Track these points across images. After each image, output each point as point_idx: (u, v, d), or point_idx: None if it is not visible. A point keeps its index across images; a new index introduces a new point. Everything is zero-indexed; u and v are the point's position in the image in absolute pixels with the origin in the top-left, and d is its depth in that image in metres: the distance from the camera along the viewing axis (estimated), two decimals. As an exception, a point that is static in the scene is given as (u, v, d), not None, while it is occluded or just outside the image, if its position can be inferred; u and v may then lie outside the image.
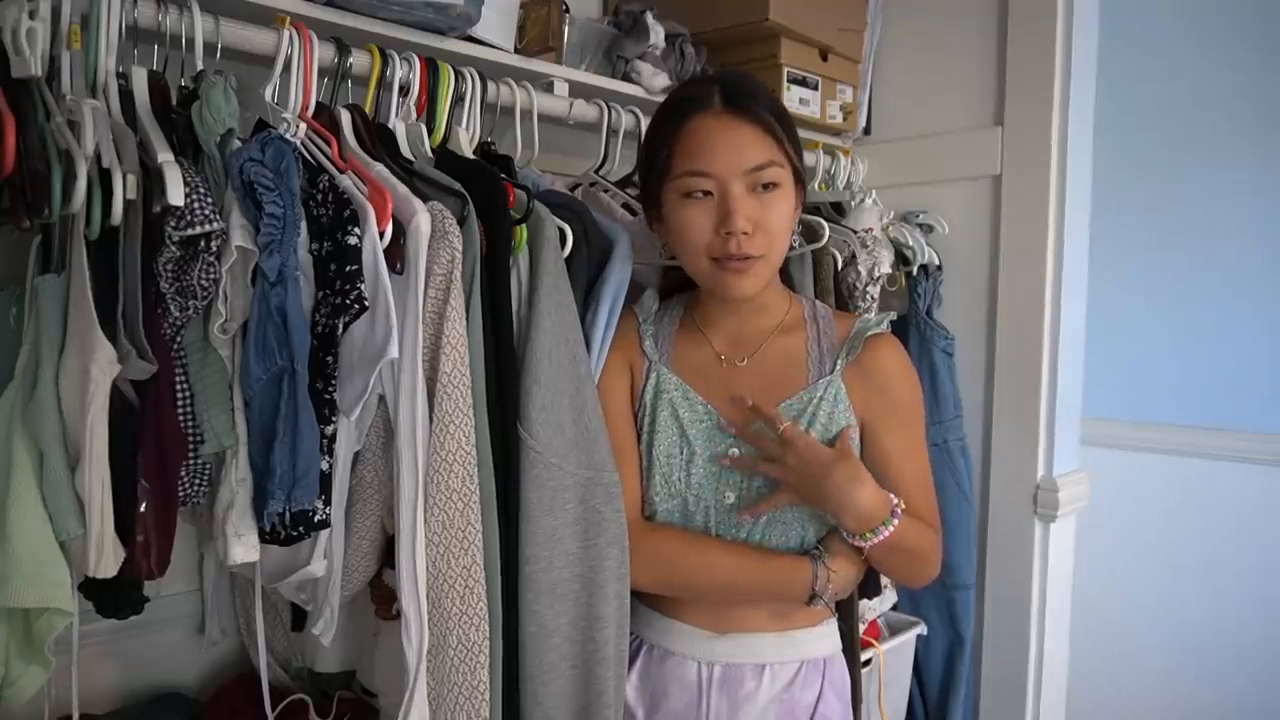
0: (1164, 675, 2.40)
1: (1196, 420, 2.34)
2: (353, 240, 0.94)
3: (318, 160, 1.04)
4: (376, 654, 1.26)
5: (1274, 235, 2.24)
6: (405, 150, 1.18)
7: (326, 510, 0.98)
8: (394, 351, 0.94)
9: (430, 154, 1.19)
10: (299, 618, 1.31)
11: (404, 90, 1.20)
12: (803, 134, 1.17)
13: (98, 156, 0.86)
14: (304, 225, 0.96)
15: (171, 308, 0.91)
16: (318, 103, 1.11)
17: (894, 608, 1.87)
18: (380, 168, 1.06)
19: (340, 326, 0.95)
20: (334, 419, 0.98)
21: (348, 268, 0.94)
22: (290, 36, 1.08)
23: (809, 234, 1.47)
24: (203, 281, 0.91)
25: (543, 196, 1.15)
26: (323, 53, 1.12)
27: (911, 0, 1.96)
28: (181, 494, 0.98)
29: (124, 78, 0.98)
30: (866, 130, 2.00)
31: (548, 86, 1.44)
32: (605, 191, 1.47)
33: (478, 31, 1.30)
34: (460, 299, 1.01)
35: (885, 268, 1.67)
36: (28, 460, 0.88)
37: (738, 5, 1.69)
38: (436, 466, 0.98)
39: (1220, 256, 2.31)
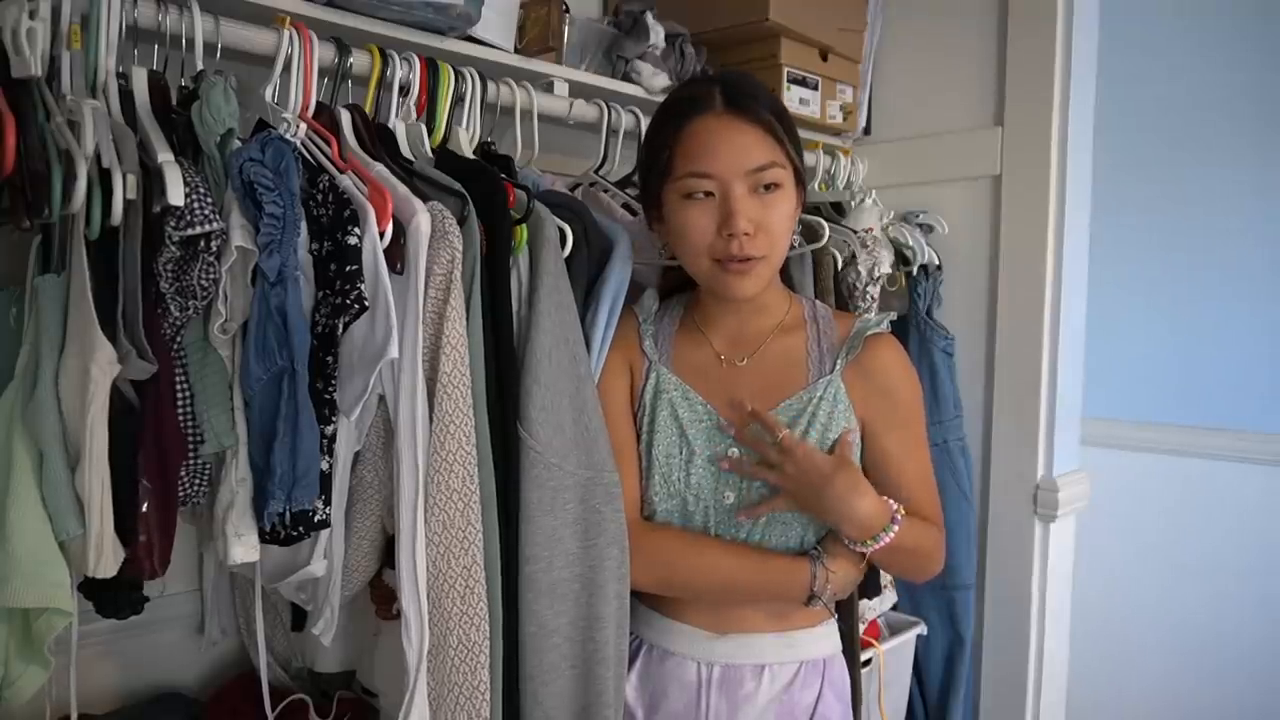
0: (1164, 675, 2.40)
1: (1196, 420, 2.34)
2: (353, 240, 0.94)
3: (318, 160, 1.04)
4: (377, 654, 1.26)
5: (1274, 235, 2.24)
6: (405, 150, 1.18)
7: (326, 510, 0.98)
8: (394, 351, 0.94)
9: (430, 154, 1.19)
10: (299, 618, 1.31)
11: (404, 90, 1.20)
12: (803, 134, 1.17)
13: (98, 156, 0.86)
14: (304, 225, 0.96)
15: (171, 308, 0.91)
16: (318, 103, 1.11)
17: (894, 608, 1.87)
18: (380, 168, 1.06)
19: (340, 326, 0.95)
20: (334, 419, 0.98)
21: (348, 268, 0.94)
22: (290, 36, 1.08)
23: (809, 234, 1.47)
24: (203, 281, 0.91)
25: (543, 196, 1.15)
26: (323, 53, 1.12)
27: (911, 0, 1.96)
28: (181, 494, 0.98)
29: (124, 78, 0.98)
30: (866, 130, 2.00)
31: (548, 86, 1.44)
32: (605, 191, 1.47)
33: (478, 31, 1.30)
34: (460, 299, 1.01)
35: (885, 268, 1.67)
36: (28, 460, 0.88)
37: (738, 5, 1.69)
38: (436, 466, 0.98)
39: (1220, 256, 2.31)
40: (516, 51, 1.39)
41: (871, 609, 1.74)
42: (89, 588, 0.99)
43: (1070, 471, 1.85)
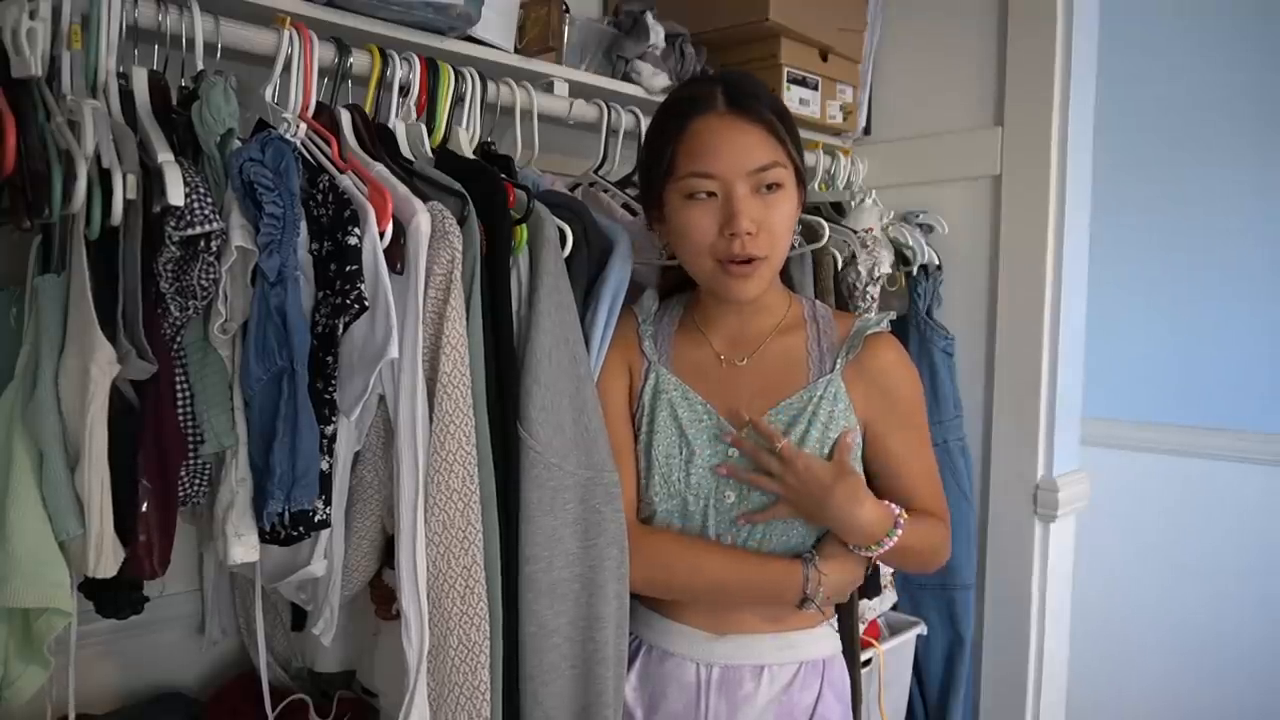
0: (1164, 675, 2.40)
1: (1196, 420, 2.34)
2: (353, 240, 0.94)
3: (318, 160, 1.04)
4: (376, 654, 1.26)
5: (1274, 235, 2.25)
6: (405, 150, 1.18)
7: (326, 510, 0.98)
8: (394, 351, 0.94)
9: (430, 154, 1.19)
10: (299, 618, 1.31)
11: (404, 90, 1.20)
12: (803, 134, 1.17)
13: (98, 156, 0.86)
14: (304, 225, 0.96)
15: (171, 308, 0.91)
16: (318, 103, 1.11)
17: (894, 608, 1.87)
18: (380, 168, 1.06)
19: (340, 326, 0.95)
20: (334, 419, 0.98)
21: (348, 268, 0.94)
22: (290, 36, 1.08)
23: (809, 234, 1.47)
24: (203, 281, 0.91)
25: (543, 196, 1.15)
26: (323, 53, 1.12)
27: (911, 0, 1.95)
28: (181, 494, 0.98)
29: (124, 78, 0.98)
30: (866, 130, 2.00)
31: (548, 86, 1.44)
32: (605, 191, 1.47)
33: (478, 31, 1.30)
34: (460, 299, 1.01)
35: (885, 268, 1.67)
36: (27, 460, 0.88)
37: (738, 5, 1.69)
38: (436, 466, 0.98)
39: (1220, 256, 2.31)
40: (516, 51, 1.39)
41: (871, 609, 1.74)
42: (89, 588, 0.99)
43: (1070, 471, 1.85)
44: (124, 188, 0.86)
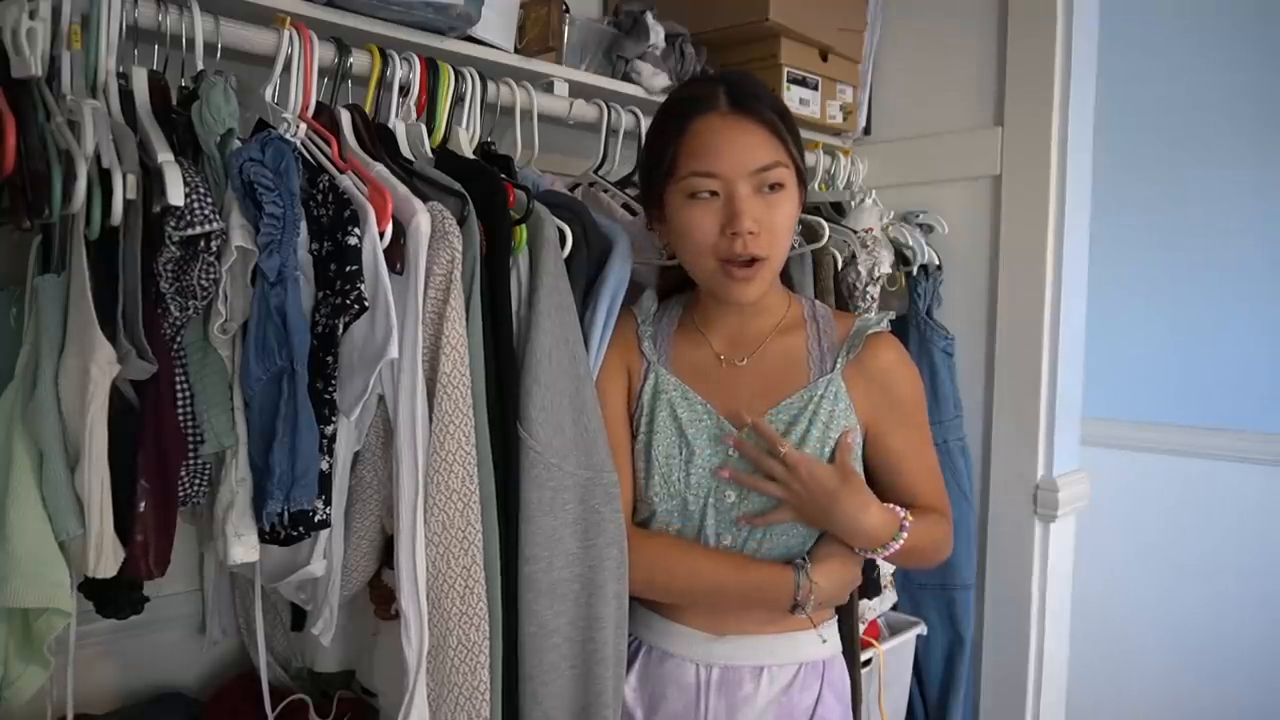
0: (1164, 675, 2.40)
1: (1196, 420, 2.34)
2: (353, 240, 0.94)
3: (318, 160, 1.04)
4: (376, 654, 1.26)
5: (1274, 235, 2.24)
6: (405, 150, 1.18)
7: (326, 510, 0.98)
8: (394, 352, 0.94)
9: (430, 154, 1.19)
10: (299, 617, 1.31)
11: (404, 90, 1.21)
12: (803, 134, 1.17)
13: (98, 156, 0.86)
14: (304, 225, 0.96)
15: (171, 308, 0.91)
16: (318, 103, 1.11)
17: (894, 608, 1.87)
18: (380, 168, 1.06)
19: (340, 326, 0.95)
20: (334, 419, 0.98)
21: (348, 268, 0.94)
22: (290, 36, 1.08)
23: (809, 234, 1.47)
24: (203, 281, 0.91)
25: (542, 197, 1.15)
26: (323, 53, 1.12)
27: (911, 0, 1.95)
28: (181, 494, 0.98)
29: (124, 78, 0.98)
30: (866, 130, 2.00)
31: (548, 86, 1.44)
32: (605, 191, 1.47)
33: (478, 31, 1.30)
34: (460, 299, 1.01)
35: (885, 268, 1.67)
36: (27, 460, 0.88)
37: (738, 5, 1.69)
38: (436, 466, 0.98)
39: (1220, 256, 2.31)
40: (516, 51, 1.39)
41: (871, 609, 1.74)
42: (89, 588, 0.99)
43: (1070, 471, 1.85)
44: (124, 188, 0.86)
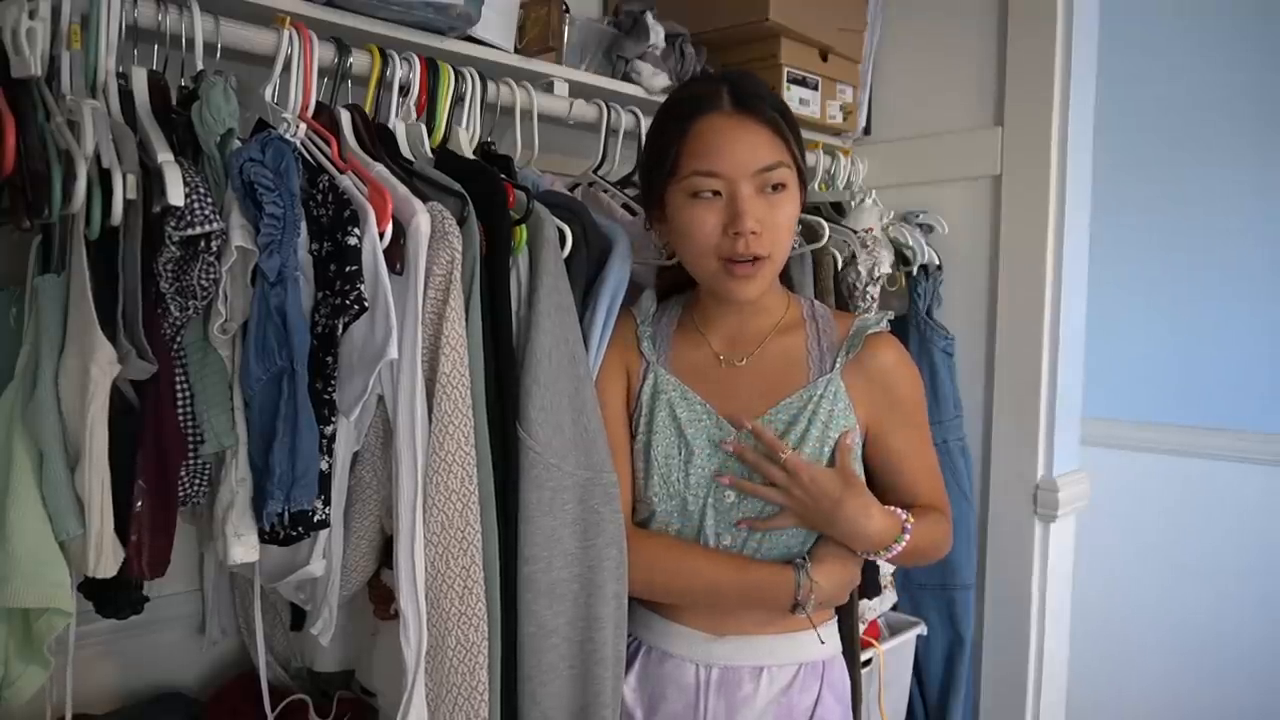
0: (1164, 675, 2.40)
1: (1196, 420, 2.34)
2: (352, 241, 0.94)
3: (318, 160, 1.04)
4: (375, 654, 1.26)
5: (1274, 235, 2.24)
6: (405, 150, 1.18)
7: (325, 510, 0.98)
8: (393, 352, 0.94)
9: (430, 154, 1.19)
10: (298, 617, 1.31)
11: (404, 90, 1.21)
12: (803, 134, 1.17)
13: (98, 156, 0.86)
14: (304, 225, 0.96)
15: (171, 308, 0.91)
16: (318, 103, 1.11)
17: (894, 608, 1.87)
18: (380, 168, 1.06)
19: (340, 327, 0.95)
20: (333, 419, 0.98)
21: (347, 268, 0.94)
22: (290, 36, 1.08)
23: (809, 234, 1.47)
24: (203, 281, 0.91)
25: (542, 197, 1.15)
26: (323, 53, 1.12)
27: (911, 0, 1.95)
28: (181, 494, 0.98)
29: (124, 78, 0.98)
30: (866, 130, 2.00)
31: (548, 86, 1.44)
32: (605, 191, 1.47)
33: (478, 31, 1.30)
34: (460, 299, 1.01)
35: (885, 268, 1.67)
36: (28, 460, 0.88)
37: (738, 5, 1.69)
38: (435, 467, 0.98)
39: (1220, 256, 2.31)
40: (516, 51, 1.39)
41: (871, 609, 1.74)
42: (89, 588, 0.99)
43: (1070, 471, 1.85)
44: (124, 188, 0.86)
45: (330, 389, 0.97)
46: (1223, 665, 2.32)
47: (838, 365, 1.13)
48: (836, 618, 1.23)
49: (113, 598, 0.99)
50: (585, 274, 1.15)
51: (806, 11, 1.73)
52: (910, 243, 1.79)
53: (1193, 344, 2.36)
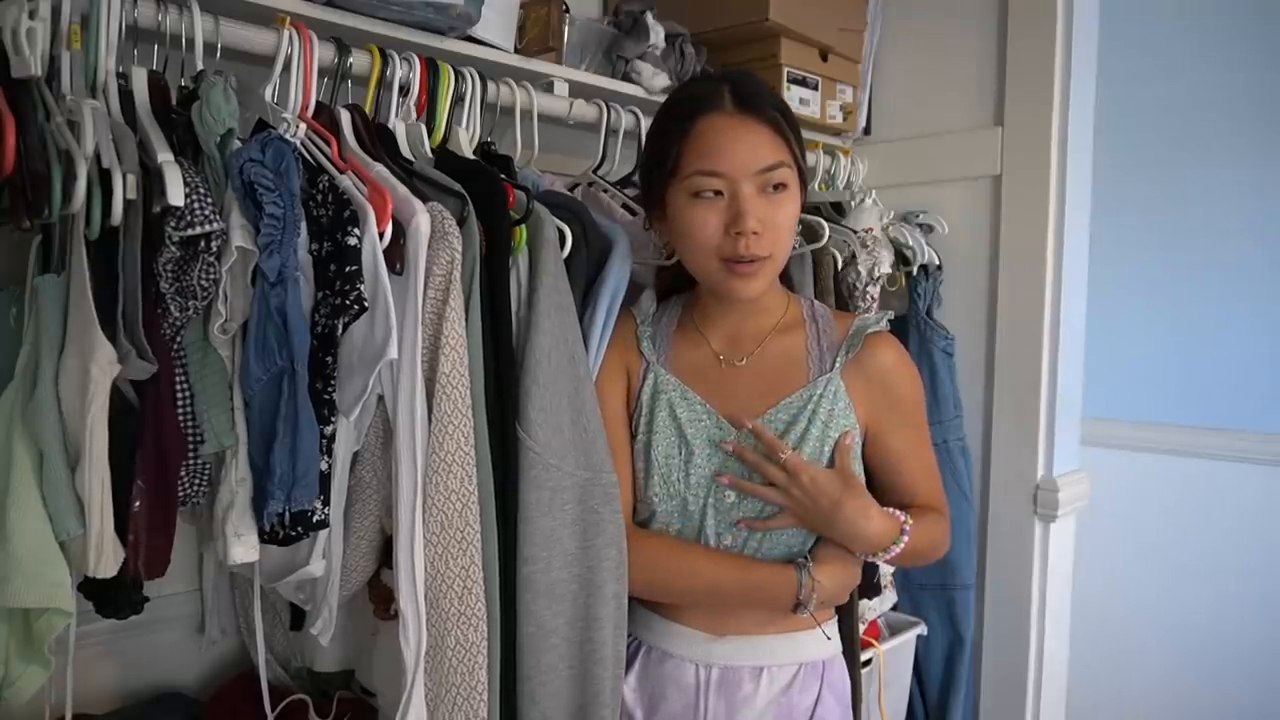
0: (1164, 675, 2.40)
1: (1196, 420, 2.34)
2: (352, 241, 0.94)
3: (318, 160, 1.04)
4: (375, 654, 1.26)
5: (1274, 235, 2.25)
6: (405, 150, 1.18)
7: (325, 510, 0.98)
8: (393, 352, 0.94)
9: (430, 154, 1.19)
10: (298, 617, 1.31)
11: (404, 90, 1.21)
12: (803, 134, 1.17)
13: (98, 156, 0.86)
14: (304, 225, 0.96)
15: (171, 308, 0.91)
16: (318, 103, 1.11)
17: (894, 608, 1.87)
18: (380, 168, 1.06)
19: (340, 327, 0.95)
20: (333, 419, 0.98)
21: (347, 268, 0.94)
22: (290, 36, 1.08)
23: (809, 234, 1.47)
24: (203, 282, 0.91)
25: (542, 197, 1.15)
26: (323, 53, 1.12)
27: (911, 0, 1.95)
28: (181, 494, 0.98)
29: (124, 78, 0.98)
30: (866, 130, 2.00)
31: (548, 86, 1.44)
32: (605, 191, 1.47)
33: (478, 31, 1.30)
34: (459, 299, 1.01)
35: (885, 268, 1.67)
36: (28, 460, 0.88)
37: (738, 5, 1.69)
38: (435, 467, 0.98)
39: (1220, 257, 2.31)
40: (516, 51, 1.39)
41: (871, 609, 1.74)
42: (89, 588, 0.99)
43: (1070, 471, 1.85)
44: (124, 188, 0.86)
45: (330, 389, 0.97)
46: (1223, 665, 2.32)
47: (837, 365, 1.13)
48: (836, 617, 1.23)
49: (113, 598, 0.99)
50: (585, 274, 1.15)
51: (806, 11, 1.73)
52: (910, 243, 1.79)
53: (1193, 344, 2.36)
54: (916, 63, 1.96)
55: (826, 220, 1.51)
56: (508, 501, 1.05)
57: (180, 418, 0.95)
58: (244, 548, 0.96)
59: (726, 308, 1.17)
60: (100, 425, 0.87)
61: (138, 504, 0.91)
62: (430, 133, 1.21)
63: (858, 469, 1.13)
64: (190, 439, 0.96)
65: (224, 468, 0.98)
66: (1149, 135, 2.37)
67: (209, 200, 0.89)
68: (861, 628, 1.60)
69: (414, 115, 1.21)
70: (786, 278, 1.35)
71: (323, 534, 1.02)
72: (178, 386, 0.95)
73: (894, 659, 1.76)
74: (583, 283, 1.15)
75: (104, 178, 0.86)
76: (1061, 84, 1.75)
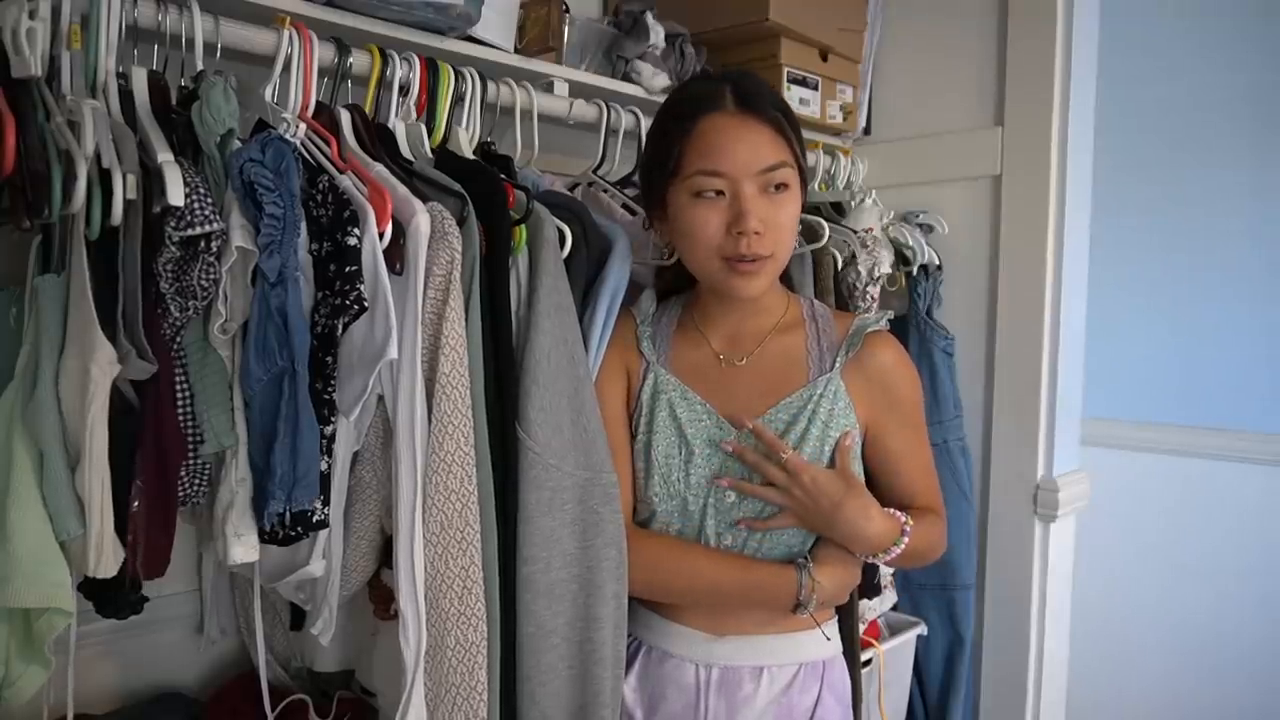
0: (1164, 675, 2.40)
1: (1196, 420, 2.34)
2: (352, 241, 0.94)
3: (317, 160, 1.04)
4: (375, 654, 1.26)
5: (1273, 236, 2.24)
6: (405, 150, 1.18)
7: (325, 510, 0.99)
8: (393, 352, 0.94)
9: (430, 154, 1.19)
10: (298, 617, 1.31)
11: (404, 90, 1.21)
12: (803, 134, 1.17)
13: (98, 156, 0.86)
14: (304, 226, 0.96)
15: (171, 308, 0.91)
16: (318, 103, 1.11)
17: (894, 608, 1.87)
18: (380, 168, 1.06)
19: (340, 327, 0.95)
20: (333, 419, 0.98)
21: (347, 268, 0.94)
22: (290, 36, 1.08)
23: (809, 234, 1.47)
24: (203, 282, 0.91)
25: (542, 197, 1.15)
26: (323, 53, 1.12)
27: (911, 0, 1.96)
28: (181, 494, 0.98)
29: (124, 78, 0.98)
30: (866, 130, 2.00)
31: (548, 86, 1.44)
32: (605, 191, 1.47)
33: (478, 31, 1.30)
34: (459, 300, 1.01)
35: (885, 268, 1.67)
36: (28, 460, 0.88)
37: (738, 5, 1.69)
38: (435, 467, 0.98)
39: (1220, 257, 2.31)
40: (516, 51, 1.39)
41: (871, 609, 1.74)
42: (89, 588, 0.99)
43: (1070, 471, 1.85)
44: (124, 188, 0.86)
45: (330, 389, 0.97)
46: (1223, 665, 2.32)
47: (837, 364, 1.13)
48: (836, 617, 1.23)
49: (113, 598, 0.99)
50: (585, 274, 1.15)
51: (806, 11, 1.73)
52: (910, 243, 1.79)
53: (1193, 344, 2.36)
54: (916, 63, 1.96)
55: (826, 220, 1.51)
56: (508, 501, 1.05)
57: (180, 418, 0.95)
58: (244, 548, 0.96)
59: (727, 307, 1.17)
60: (100, 425, 0.87)
61: (138, 504, 0.91)
62: (430, 133, 1.21)
63: (857, 469, 1.13)
64: (190, 439, 0.96)
65: (224, 468, 0.98)
66: (1149, 136, 2.37)
67: (209, 200, 0.89)
68: (861, 628, 1.60)
69: (414, 115, 1.21)
70: (786, 277, 1.35)
71: (323, 534, 1.02)
72: (178, 386, 0.95)
73: (894, 659, 1.76)
74: (583, 283, 1.15)
75: (104, 178, 0.86)
76: (1061, 84, 1.75)
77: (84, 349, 0.87)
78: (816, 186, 1.88)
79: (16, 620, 0.92)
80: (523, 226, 1.09)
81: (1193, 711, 2.36)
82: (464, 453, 0.99)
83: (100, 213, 0.86)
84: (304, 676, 1.39)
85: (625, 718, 1.17)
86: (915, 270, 1.82)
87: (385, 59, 1.18)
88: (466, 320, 1.02)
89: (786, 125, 1.08)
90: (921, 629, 1.85)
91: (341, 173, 1.01)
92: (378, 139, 1.13)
